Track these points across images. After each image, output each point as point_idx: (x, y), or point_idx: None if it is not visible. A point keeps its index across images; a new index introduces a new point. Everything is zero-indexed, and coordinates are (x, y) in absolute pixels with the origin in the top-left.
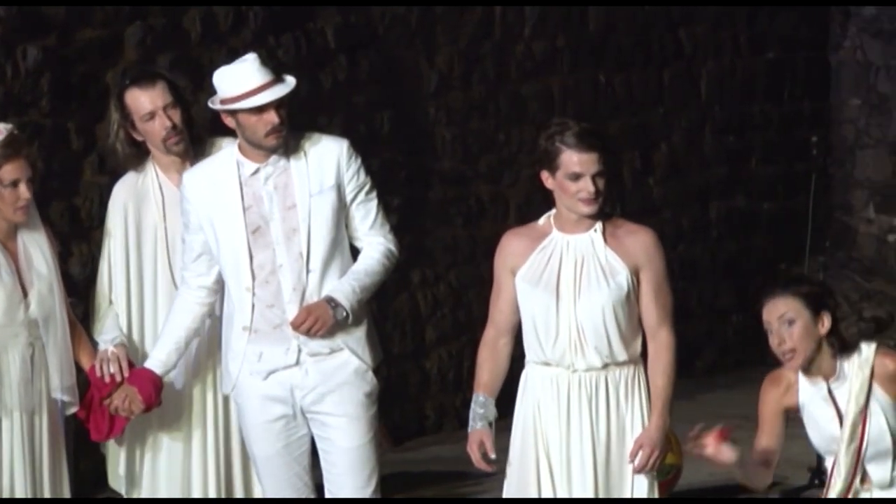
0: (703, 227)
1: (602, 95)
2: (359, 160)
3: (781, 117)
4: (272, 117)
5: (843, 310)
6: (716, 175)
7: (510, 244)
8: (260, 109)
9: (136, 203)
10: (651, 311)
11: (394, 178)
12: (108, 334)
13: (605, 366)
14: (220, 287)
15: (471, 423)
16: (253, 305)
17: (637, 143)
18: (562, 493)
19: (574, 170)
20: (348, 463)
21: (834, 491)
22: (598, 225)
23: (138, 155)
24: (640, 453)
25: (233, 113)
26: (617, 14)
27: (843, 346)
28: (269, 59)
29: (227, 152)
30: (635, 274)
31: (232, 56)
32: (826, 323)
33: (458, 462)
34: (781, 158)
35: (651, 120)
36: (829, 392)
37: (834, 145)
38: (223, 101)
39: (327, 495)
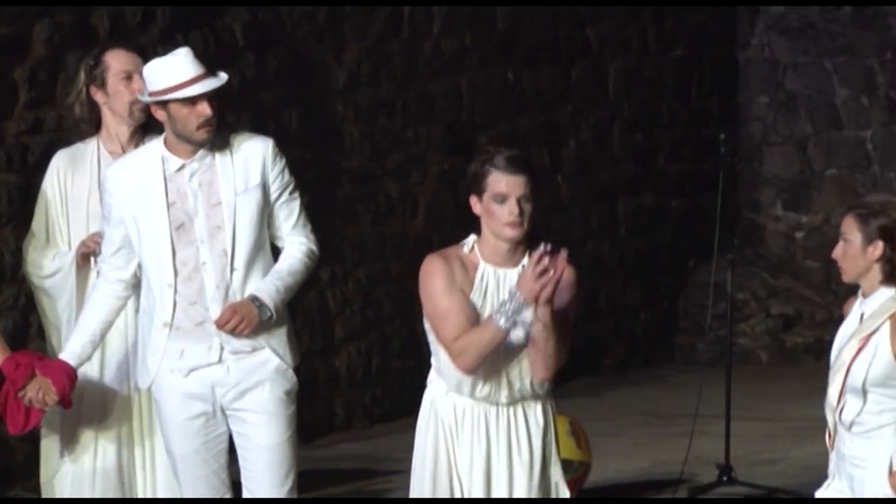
0: (611, 224)
1: (510, 93)
2: (283, 160)
3: (689, 115)
4: (205, 109)
5: None
6: (624, 172)
7: (450, 267)
8: (193, 101)
9: (72, 171)
10: None
11: (302, 175)
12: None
13: (524, 399)
14: (138, 281)
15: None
16: (175, 302)
17: (545, 140)
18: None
19: (500, 191)
20: (266, 460)
21: (829, 401)
22: (526, 259)
23: (90, 121)
24: None
25: (164, 105)
26: (525, 12)
27: (893, 273)
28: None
29: (152, 147)
30: None
31: (140, 54)
32: (878, 251)
33: (367, 459)
34: (689, 156)
35: (559, 117)
36: (863, 306)
37: (742, 143)
38: (154, 94)
39: (244, 493)
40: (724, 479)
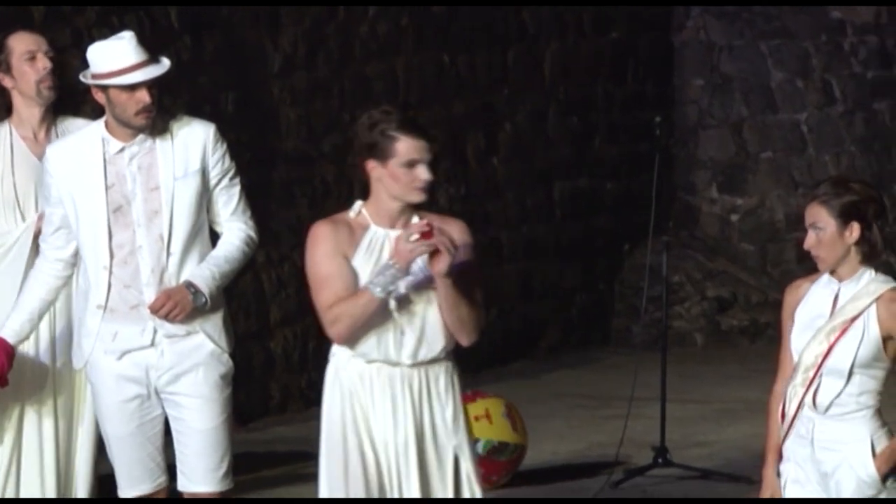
0: (547, 207)
1: (446, 76)
2: (224, 145)
3: (625, 98)
4: (144, 96)
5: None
6: (560, 155)
7: (336, 232)
8: (132, 87)
9: None
10: None
11: (238, 159)
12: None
13: (427, 362)
14: (77, 261)
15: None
16: (109, 284)
17: (481, 123)
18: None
19: (412, 157)
20: (201, 444)
21: (794, 383)
22: (415, 218)
23: (1, 106)
24: None
25: (104, 89)
26: None
27: (873, 252)
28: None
29: (93, 129)
30: None
31: (76, 36)
32: (854, 232)
33: (302, 442)
34: (625, 139)
35: (495, 100)
36: (838, 289)
37: (677, 126)
38: (95, 76)
39: (179, 476)
40: (659, 461)
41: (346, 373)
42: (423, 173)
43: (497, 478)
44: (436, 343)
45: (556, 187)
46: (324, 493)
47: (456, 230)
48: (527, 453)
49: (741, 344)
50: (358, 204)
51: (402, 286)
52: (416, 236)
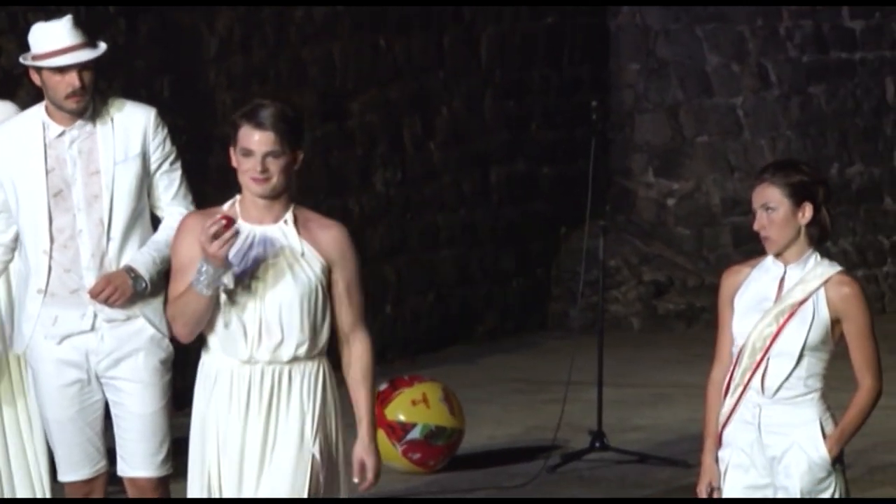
0: (483, 191)
1: (382, 60)
2: (165, 129)
3: (561, 82)
4: (73, 80)
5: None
6: (496, 140)
7: (204, 224)
8: (62, 70)
9: None
10: (345, 312)
11: (174, 143)
12: None
13: (286, 361)
14: (17, 245)
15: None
16: (50, 269)
17: (417, 107)
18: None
19: (246, 145)
20: (141, 429)
21: (739, 369)
22: (289, 216)
23: None
24: (366, 470)
25: (39, 71)
26: None
27: (823, 234)
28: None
29: (33, 112)
30: (328, 271)
31: (12, 20)
32: (807, 213)
33: None
34: (561, 123)
35: (431, 85)
36: (784, 273)
37: (613, 110)
38: (34, 58)
39: (119, 461)
40: (597, 445)
41: (208, 367)
42: (255, 164)
43: (434, 462)
44: (291, 341)
45: (492, 172)
46: (190, 487)
47: (333, 234)
48: (464, 438)
49: (677, 328)
50: (236, 196)
51: (227, 280)
52: (214, 228)
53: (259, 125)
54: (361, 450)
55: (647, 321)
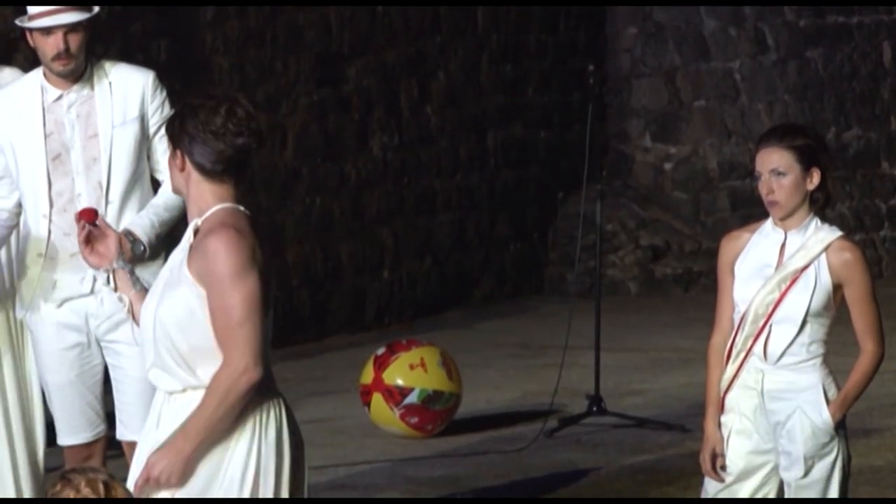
0: (480, 156)
1: (379, 24)
2: (164, 92)
3: (557, 46)
4: (58, 42)
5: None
6: (493, 104)
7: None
8: (48, 32)
9: None
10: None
11: (171, 107)
12: None
13: (170, 392)
14: (22, 210)
15: None
16: (49, 232)
17: (414, 72)
18: None
19: None
20: (140, 392)
21: (741, 335)
22: (199, 220)
23: None
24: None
25: (31, 33)
26: None
27: (827, 200)
28: None
29: (31, 77)
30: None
31: None
32: (815, 179)
33: None
34: (558, 88)
35: (428, 49)
36: (785, 239)
37: (610, 74)
38: (28, 19)
39: (118, 425)
40: (594, 409)
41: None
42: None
43: (432, 426)
44: (169, 370)
45: (489, 136)
46: None
47: (211, 245)
48: (462, 402)
49: (674, 292)
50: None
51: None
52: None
53: None
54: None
55: (645, 285)
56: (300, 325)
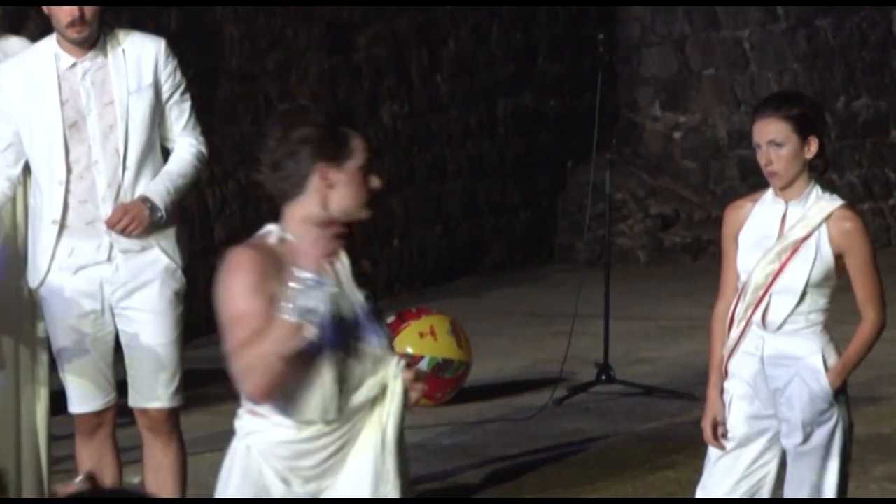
0: (490, 124)
1: None
2: (175, 60)
3: (568, 15)
4: (73, 10)
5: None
6: (503, 72)
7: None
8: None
9: None
10: None
11: (182, 75)
12: None
13: None
14: (22, 180)
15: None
16: (66, 200)
17: (424, 40)
18: None
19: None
20: (154, 360)
21: (743, 304)
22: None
23: None
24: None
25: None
26: None
27: (824, 168)
28: None
29: (45, 45)
30: None
31: None
32: (813, 147)
33: None
34: (568, 56)
35: (438, 17)
36: (786, 209)
37: (620, 43)
38: None
39: (131, 392)
40: (603, 377)
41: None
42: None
43: (442, 395)
44: None
45: (499, 105)
46: None
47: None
48: (471, 370)
49: (684, 261)
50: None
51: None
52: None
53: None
54: None
55: (654, 254)
56: None
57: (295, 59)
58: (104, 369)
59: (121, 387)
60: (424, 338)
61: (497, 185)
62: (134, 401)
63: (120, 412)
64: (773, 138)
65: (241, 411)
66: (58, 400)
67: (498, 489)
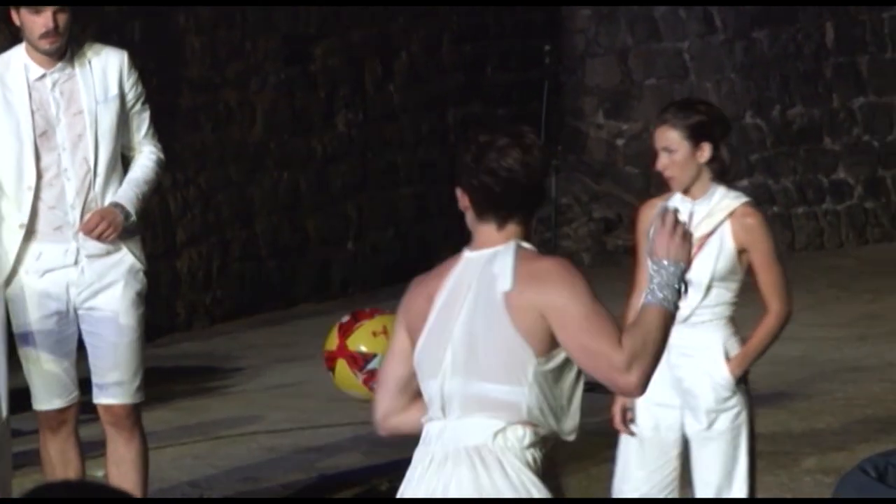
0: (441, 131)
1: (345, 6)
2: (137, 71)
3: (515, 26)
4: (48, 20)
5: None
6: (453, 82)
7: None
8: (37, 11)
9: None
10: None
11: (145, 85)
12: None
13: None
14: None
15: None
16: (34, 205)
17: (378, 51)
18: None
19: None
20: (116, 358)
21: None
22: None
23: None
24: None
25: (18, 12)
26: None
27: (722, 170)
28: None
29: (15, 54)
30: None
31: None
32: (706, 152)
33: (208, 357)
34: (516, 66)
35: (391, 29)
36: (692, 208)
37: (565, 53)
38: None
39: (94, 389)
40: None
41: None
42: None
43: None
44: None
45: (449, 113)
46: None
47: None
48: None
49: (625, 262)
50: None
51: None
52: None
53: None
54: None
55: (597, 256)
56: (269, 294)
57: (254, 69)
58: (68, 368)
59: (84, 384)
60: (377, 336)
61: (447, 190)
62: (98, 397)
63: (83, 409)
64: (667, 145)
65: (506, 425)
66: (22, 397)
67: None
